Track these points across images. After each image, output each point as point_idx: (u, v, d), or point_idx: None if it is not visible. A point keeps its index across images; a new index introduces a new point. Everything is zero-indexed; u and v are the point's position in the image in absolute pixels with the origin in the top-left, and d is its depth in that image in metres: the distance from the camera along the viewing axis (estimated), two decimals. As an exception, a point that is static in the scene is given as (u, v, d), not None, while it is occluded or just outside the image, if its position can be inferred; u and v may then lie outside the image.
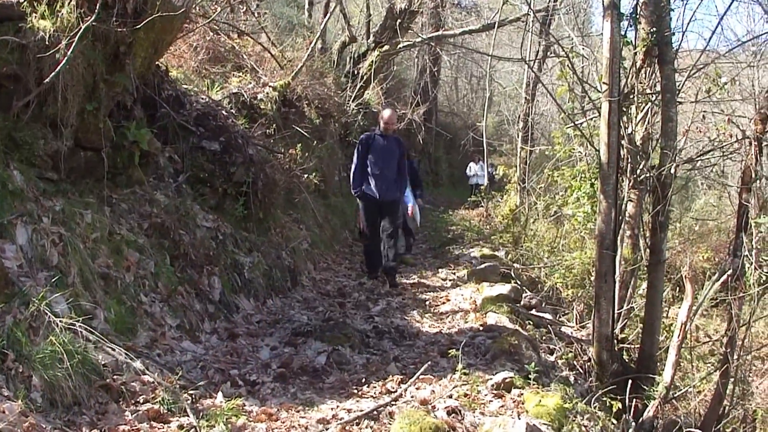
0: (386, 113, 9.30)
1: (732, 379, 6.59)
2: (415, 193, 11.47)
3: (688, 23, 6.95)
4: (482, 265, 9.64)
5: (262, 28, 11.57)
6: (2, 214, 4.49)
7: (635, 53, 6.69)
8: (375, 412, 4.40)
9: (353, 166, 9.15)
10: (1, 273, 4.14)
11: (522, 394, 4.79)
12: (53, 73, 4.87)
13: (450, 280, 9.34)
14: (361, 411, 4.41)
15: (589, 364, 6.49)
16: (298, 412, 4.46)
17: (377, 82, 14.61)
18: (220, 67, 9.56)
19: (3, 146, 4.91)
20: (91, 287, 4.87)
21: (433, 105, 22.54)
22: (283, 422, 4.26)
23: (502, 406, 4.59)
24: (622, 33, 6.55)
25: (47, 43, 4.97)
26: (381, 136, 9.07)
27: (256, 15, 11.58)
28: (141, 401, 4.16)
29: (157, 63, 6.73)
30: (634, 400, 5.71)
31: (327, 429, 4.18)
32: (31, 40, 4.99)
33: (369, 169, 9.00)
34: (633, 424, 5.56)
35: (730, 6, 8.69)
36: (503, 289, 7.92)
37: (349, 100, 13.18)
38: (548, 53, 13.94)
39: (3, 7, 5.04)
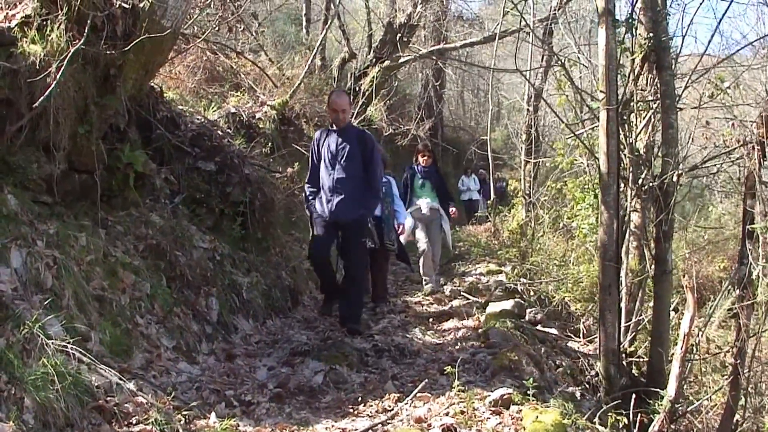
0: (333, 97, 7.22)
1: (743, 392, 6.48)
2: (446, 207, 10.00)
3: (687, 27, 6.85)
4: (487, 281, 9.58)
5: (260, 46, 11.59)
6: (-4, 239, 4.48)
7: (633, 59, 6.63)
8: (370, 431, 4.34)
9: (308, 175, 7.26)
10: (-9, 297, 4.13)
11: (521, 410, 4.70)
12: (43, 97, 4.87)
13: (455, 297, 9.24)
14: (356, 430, 4.36)
15: (596, 379, 6.39)
16: (292, 431, 4.40)
17: (379, 99, 14.57)
18: (218, 86, 9.57)
19: (-5, 168, 4.91)
20: (86, 309, 4.84)
21: (438, 120, 22.54)
22: (277, 443, 4.22)
23: (500, 423, 4.51)
24: (620, 39, 6.51)
25: (38, 67, 4.98)
26: (334, 132, 7.00)
27: (254, 35, 11.62)
28: (134, 422, 4.11)
29: (151, 84, 6.74)
30: (639, 415, 5.60)
31: (321, 449, 4.14)
32: (22, 65, 5.00)
33: (321, 180, 7.00)
34: (639, 439, 5.46)
35: (726, 10, 8.64)
36: (507, 304, 7.84)
37: (351, 118, 13.12)
38: (552, 63, 13.90)
39: (-6, 34, 5.05)
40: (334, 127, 6.99)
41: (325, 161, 6.91)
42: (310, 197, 7.07)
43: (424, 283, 9.78)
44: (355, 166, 6.84)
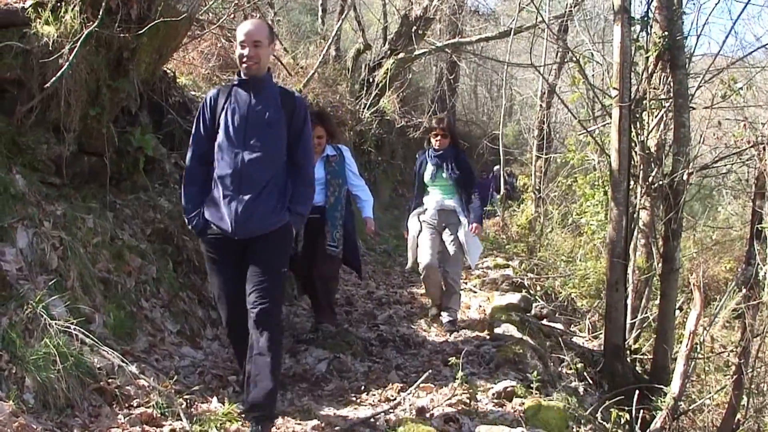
0: (243, 27, 4.27)
1: (746, 391, 6.48)
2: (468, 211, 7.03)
3: (702, 27, 6.79)
4: (494, 275, 9.56)
5: (275, 35, 11.59)
6: (3, 218, 4.49)
7: (647, 58, 6.62)
8: (371, 420, 4.36)
9: (187, 161, 4.52)
10: (-3, 277, 4.15)
11: (524, 403, 4.73)
12: (54, 78, 4.88)
13: (461, 290, 9.22)
14: (358, 418, 4.38)
15: (600, 374, 6.40)
16: (294, 418, 4.42)
17: (393, 91, 14.55)
18: (231, 73, 9.53)
19: (6, 151, 4.92)
20: (91, 291, 4.86)
21: (451, 113, 22.46)
22: (278, 428, 4.24)
23: (502, 416, 4.53)
24: (635, 37, 6.50)
25: (51, 48, 4.97)
26: (243, 86, 4.31)
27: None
28: (135, 405, 4.15)
29: (164, 69, 6.73)
30: (642, 411, 5.61)
31: (321, 436, 4.15)
32: (35, 45, 5.00)
33: (216, 166, 4.30)
34: (640, 435, 5.47)
35: (742, 11, 8.57)
36: (513, 298, 7.84)
37: (363, 109, 13.15)
38: (565, 60, 13.88)
39: (8, 13, 5.06)
40: (243, 78, 4.31)
41: (226, 134, 4.24)
42: (191, 205, 4.40)
43: (430, 312, 7.40)
44: (277, 143, 4.28)
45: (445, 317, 7.12)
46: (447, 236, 7.04)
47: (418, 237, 7.11)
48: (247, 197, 4.16)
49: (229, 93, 4.34)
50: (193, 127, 4.42)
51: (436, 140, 7.11)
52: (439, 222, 7.05)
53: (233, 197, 4.17)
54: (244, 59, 4.20)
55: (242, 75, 4.32)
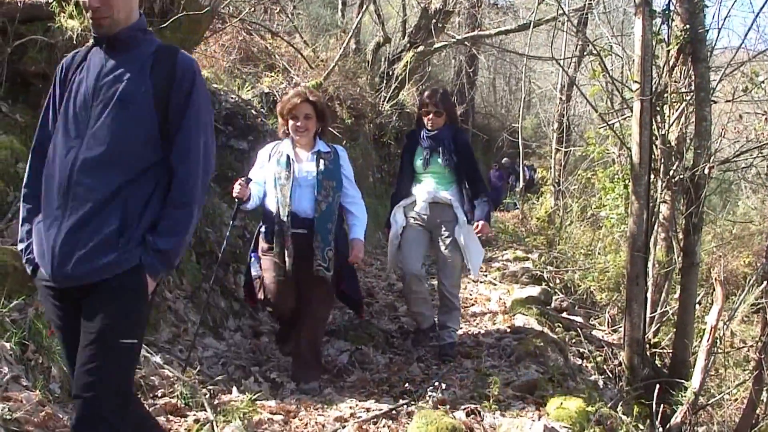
0: None
1: (766, 387, 6.46)
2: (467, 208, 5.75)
3: (724, 20, 6.75)
4: (514, 267, 9.56)
5: (296, 28, 11.62)
6: (29, 211, 4.53)
7: (668, 51, 6.59)
8: (394, 412, 4.38)
9: (29, 159, 2.82)
10: (23, 267, 4.19)
11: (544, 396, 4.75)
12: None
13: (481, 283, 9.24)
14: (380, 410, 4.40)
15: (620, 368, 6.41)
16: (316, 409, 4.45)
17: (412, 83, 14.53)
18: (253, 66, 9.57)
19: (31, 144, 4.96)
20: (116, 283, 4.90)
21: (469, 106, 22.41)
22: (301, 419, 4.27)
23: (524, 408, 4.55)
24: (656, 30, 6.48)
25: (75, 42, 5.01)
26: (99, 47, 2.67)
27: (289, 16, 11.64)
28: (159, 395, 4.20)
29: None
30: (662, 405, 5.61)
31: (344, 427, 4.18)
32: (59, 39, 5.05)
33: (47, 170, 2.64)
34: (660, 430, 5.47)
35: (764, 5, 8.44)
36: (533, 291, 7.85)
37: (383, 101, 13.14)
38: (585, 53, 13.84)
39: (32, 7, 5.12)
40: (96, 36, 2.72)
41: (63, 119, 2.68)
42: (25, 230, 2.78)
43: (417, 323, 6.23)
44: (133, 131, 2.61)
45: (443, 337, 5.89)
46: (441, 236, 5.80)
47: (401, 235, 5.89)
48: (71, 222, 2.54)
49: (84, 57, 2.77)
50: (43, 109, 2.88)
51: (428, 119, 5.80)
52: (430, 218, 5.81)
53: (56, 220, 2.58)
54: (90, 13, 2.62)
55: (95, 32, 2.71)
